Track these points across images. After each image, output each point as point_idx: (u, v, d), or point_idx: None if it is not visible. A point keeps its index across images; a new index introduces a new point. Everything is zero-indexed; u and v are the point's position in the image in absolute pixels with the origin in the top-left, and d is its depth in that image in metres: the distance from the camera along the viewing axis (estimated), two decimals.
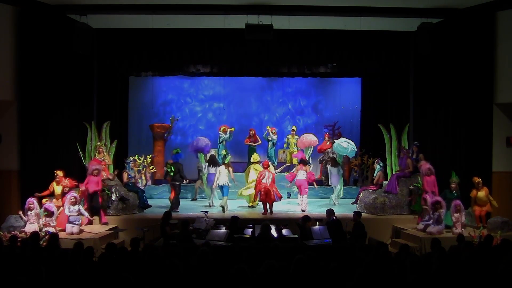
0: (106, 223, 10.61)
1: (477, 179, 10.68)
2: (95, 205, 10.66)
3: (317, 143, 14.11)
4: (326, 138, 14.59)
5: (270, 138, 14.22)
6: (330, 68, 13.99)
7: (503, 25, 11.38)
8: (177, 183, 12.02)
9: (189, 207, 12.36)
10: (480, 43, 11.55)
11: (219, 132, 14.04)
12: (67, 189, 10.47)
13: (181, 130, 16.01)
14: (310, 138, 13.74)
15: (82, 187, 10.77)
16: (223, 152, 13.25)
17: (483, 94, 11.62)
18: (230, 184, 12.04)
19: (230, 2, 11.26)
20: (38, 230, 8.95)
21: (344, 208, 12.05)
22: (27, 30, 11.27)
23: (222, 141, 13.96)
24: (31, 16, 11.32)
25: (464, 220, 10.03)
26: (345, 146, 12.95)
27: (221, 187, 12.05)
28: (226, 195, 12.00)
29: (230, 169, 12.23)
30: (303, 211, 11.69)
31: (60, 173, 10.67)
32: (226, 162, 12.30)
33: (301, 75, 15.01)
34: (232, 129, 14.23)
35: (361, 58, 13.15)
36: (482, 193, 10.62)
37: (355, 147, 13.23)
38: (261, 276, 4.62)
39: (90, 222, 10.55)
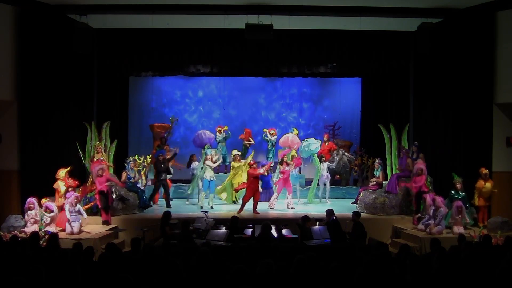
0: (106, 222, 10.61)
1: (485, 170, 10.66)
2: (104, 204, 10.67)
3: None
4: (325, 139, 14.57)
5: (267, 139, 14.21)
6: (330, 68, 13.99)
7: (503, 25, 11.37)
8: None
9: (189, 207, 12.37)
10: (480, 43, 11.54)
11: (217, 133, 14.16)
12: (71, 188, 10.47)
13: (180, 130, 15.99)
14: (297, 140, 13.70)
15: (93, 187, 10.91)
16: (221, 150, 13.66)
17: (483, 94, 11.61)
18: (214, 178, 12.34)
19: (230, 2, 11.26)
20: (38, 230, 8.97)
21: (344, 208, 12.05)
22: (27, 30, 11.27)
23: (219, 141, 14.03)
24: (31, 16, 11.31)
25: (468, 220, 10.04)
26: (313, 147, 13.00)
27: (209, 183, 12.25)
28: (213, 192, 12.38)
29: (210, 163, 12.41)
30: (272, 208, 11.99)
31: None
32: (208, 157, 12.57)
33: (301, 75, 14.99)
34: (226, 127, 14.20)
35: (361, 58, 13.16)
36: (489, 184, 10.59)
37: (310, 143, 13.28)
38: (258, 275, 4.62)
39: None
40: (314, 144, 13.05)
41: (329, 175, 13.29)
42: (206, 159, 12.45)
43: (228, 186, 12.67)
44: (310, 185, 13.66)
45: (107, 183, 10.75)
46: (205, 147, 12.95)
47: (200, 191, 12.62)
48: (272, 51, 12.66)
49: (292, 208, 12.13)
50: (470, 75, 11.68)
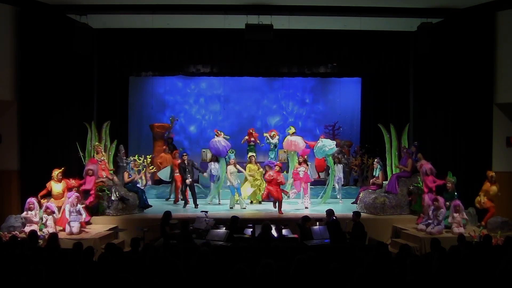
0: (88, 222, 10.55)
1: (492, 173, 10.65)
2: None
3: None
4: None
5: (268, 142, 14.22)
6: (330, 68, 13.97)
7: (503, 25, 11.37)
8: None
9: (189, 207, 12.38)
10: (480, 43, 11.54)
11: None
12: (75, 189, 10.47)
13: (181, 130, 16.00)
14: (302, 142, 13.62)
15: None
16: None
17: (483, 94, 11.61)
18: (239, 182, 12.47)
19: (230, 2, 11.26)
20: (37, 230, 8.97)
21: (344, 208, 12.05)
22: (27, 30, 11.27)
23: None
24: (31, 16, 11.31)
25: (464, 219, 10.04)
26: (327, 148, 12.91)
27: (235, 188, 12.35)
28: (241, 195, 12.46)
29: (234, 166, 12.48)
30: (306, 208, 12.08)
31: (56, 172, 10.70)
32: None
33: (301, 75, 14.99)
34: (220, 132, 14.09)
35: (361, 58, 13.15)
36: (495, 187, 10.54)
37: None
38: (259, 276, 4.62)
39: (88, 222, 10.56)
40: (329, 145, 13.00)
41: (342, 177, 13.28)
42: (229, 163, 12.40)
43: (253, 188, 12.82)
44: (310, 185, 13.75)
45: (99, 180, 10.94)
46: (229, 151, 13.00)
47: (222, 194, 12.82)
48: (272, 51, 12.64)
49: (306, 207, 12.13)
50: (470, 75, 11.68)
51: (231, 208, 12.12)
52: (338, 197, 13.30)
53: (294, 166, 12.70)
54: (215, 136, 13.46)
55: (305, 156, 12.88)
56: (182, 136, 16.03)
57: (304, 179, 12.24)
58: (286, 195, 12.13)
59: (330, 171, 13.10)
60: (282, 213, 11.42)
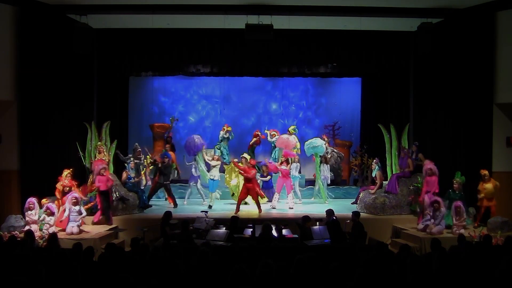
0: (111, 224, 10.61)
1: (484, 171, 10.65)
2: (105, 204, 10.65)
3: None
4: (326, 139, 14.54)
5: (270, 140, 14.22)
6: (330, 68, 13.96)
7: (503, 25, 11.38)
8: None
9: (189, 207, 12.37)
10: (480, 43, 11.55)
11: (220, 131, 14.15)
12: (67, 188, 10.45)
13: (180, 130, 16.00)
14: (293, 140, 13.65)
15: (93, 187, 10.84)
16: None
17: (483, 94, 11.62)
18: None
19: (230, 2, 11.26)
20: (37, 230, 8.96)
21: (344, 208, 12.05)
22: (27, 30, 11.28)
23: (221, 140, 14.02)
24: (31, 16, 11.32)
25: (465, 222, 10.04)
26: (315, 145, 12.99)
27: (213, 182, 12.39)
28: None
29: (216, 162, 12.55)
30: (274, 208, 12.11)
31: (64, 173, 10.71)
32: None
33: (301, 75, 14.96)
34: (229, 128, 14.17)
35: (361, 58, 13.17)
36: (489, 185, 10.55)
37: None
38: (259, 276, 4.62)
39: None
40: (316, 144, 13.01)
41: (327, 177, 13.33)
42: (213, 158, 12.51)
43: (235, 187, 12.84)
44: (310, 185, 13.82)
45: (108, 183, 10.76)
46: (215, 147, 12.94)
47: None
48: (272, 51, 12.66)
49: (290, 208, 12.13)
50: (470, 75, 11.68)
51: (210, 207, 12.03)
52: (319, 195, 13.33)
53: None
54: (221, 131, 13.57)
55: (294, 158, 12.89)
56: (182, 135, 16.00)
57: (282, 179, 12.22)
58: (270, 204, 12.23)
59: (315, 170, 13.17)
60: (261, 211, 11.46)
